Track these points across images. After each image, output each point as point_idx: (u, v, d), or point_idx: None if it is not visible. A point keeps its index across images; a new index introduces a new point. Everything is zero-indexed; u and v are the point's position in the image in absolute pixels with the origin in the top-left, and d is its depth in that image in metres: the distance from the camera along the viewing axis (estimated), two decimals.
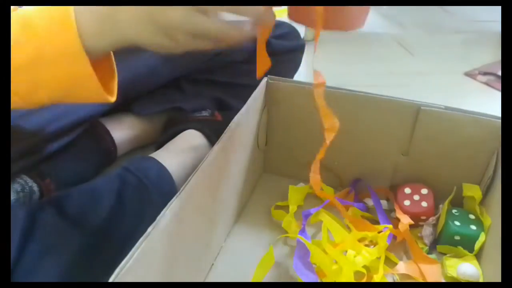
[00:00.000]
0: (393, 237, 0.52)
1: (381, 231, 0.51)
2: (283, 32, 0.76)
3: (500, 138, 0.50)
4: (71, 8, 0.34)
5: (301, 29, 0.87)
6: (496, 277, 0.43)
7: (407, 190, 0.55)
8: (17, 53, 0.34)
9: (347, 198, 0.58)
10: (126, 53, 0.40)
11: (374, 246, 0.50)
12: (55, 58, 0.34)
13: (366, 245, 0.50)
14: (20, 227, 0.41)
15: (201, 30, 0.36)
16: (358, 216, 0.56)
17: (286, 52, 0.75)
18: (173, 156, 0.58)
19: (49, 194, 0.53)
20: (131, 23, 0.35)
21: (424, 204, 0.54)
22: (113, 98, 0.39)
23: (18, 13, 0.35)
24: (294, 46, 0.78)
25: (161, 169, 0.54)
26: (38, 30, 0.34)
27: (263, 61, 0.45)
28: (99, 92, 0.37)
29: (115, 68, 0.41)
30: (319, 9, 0.37)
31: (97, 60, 0.37)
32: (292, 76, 0.81)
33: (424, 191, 0.55)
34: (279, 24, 0.76)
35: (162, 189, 0.52)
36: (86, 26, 0.34)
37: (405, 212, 0.53)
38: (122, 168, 0.52)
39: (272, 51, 0.45)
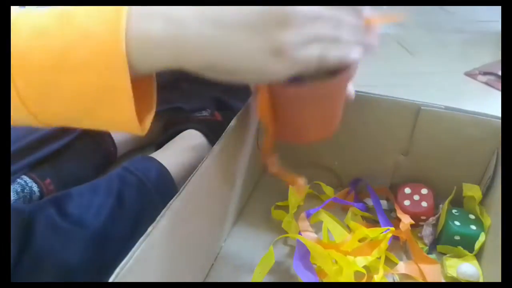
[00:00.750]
0: (394, 238, 0.52)
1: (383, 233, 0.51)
2: None
3: (500, 138, 0.50)
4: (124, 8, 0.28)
5: None
6: (496, 277, 0.43)
7: (407, 190, 0.55)
8: (42, 49, 0.27)
9: (347, 198, 0.58)
10: None
11: (375, 246, 0.50)
12: (85, 61, 0.27)
13: (366, 245, 0.50)
14: (20, 227, 0.41)
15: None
16: (358, 216, 0.56)
17: None
18: (173, 156, 0.58)
19: (49, 194, 0.53)
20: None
21: (424, 204, 0.54)
22: (143, 131, 0.31)
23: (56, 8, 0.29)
24: None
25: (161, 169, 0.54)
26: (76, 24, 0.27)
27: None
28: (130, 116, 0.29)
29: (155, 99, 0.33)
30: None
31: (136, 83, 0.29)
32: None
33: (424, 191, 0.55)
34: None
35: (162, 189, 0.52)
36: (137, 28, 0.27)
37: (405, 212, 0.53)
38: (122, 168, 0.52)
39: None
